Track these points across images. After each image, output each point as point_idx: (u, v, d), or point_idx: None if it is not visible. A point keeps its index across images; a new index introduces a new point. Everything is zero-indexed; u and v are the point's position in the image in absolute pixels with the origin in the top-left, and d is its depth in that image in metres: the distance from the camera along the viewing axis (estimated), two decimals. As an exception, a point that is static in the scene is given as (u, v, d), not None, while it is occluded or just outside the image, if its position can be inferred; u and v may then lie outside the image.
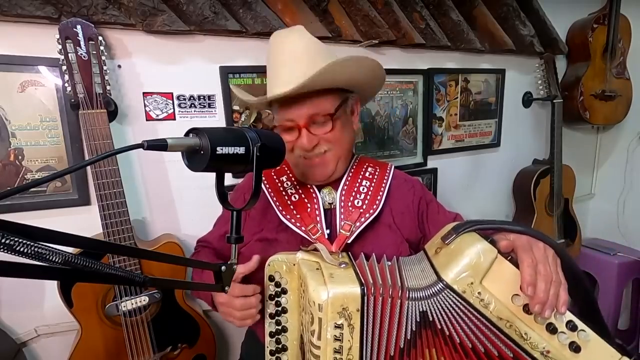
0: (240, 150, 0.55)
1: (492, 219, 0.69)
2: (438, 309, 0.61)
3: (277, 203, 0.84)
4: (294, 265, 0.72)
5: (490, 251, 0.59)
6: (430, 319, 0.61)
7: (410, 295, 0.62)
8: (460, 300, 0.59)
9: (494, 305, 0.58)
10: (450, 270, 0.60)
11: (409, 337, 0.63)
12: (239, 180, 1.03)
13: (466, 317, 0.59)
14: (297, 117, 0.79)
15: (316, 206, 0.83)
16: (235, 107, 1.22)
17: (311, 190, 0.86)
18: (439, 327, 0.61)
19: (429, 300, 0.61)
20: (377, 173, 0.90)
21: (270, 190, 0.86)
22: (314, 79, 0.73)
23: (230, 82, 1.20)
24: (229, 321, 0.77)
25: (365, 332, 0.63)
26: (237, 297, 0.73)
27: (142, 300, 1.01)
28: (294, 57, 0.79)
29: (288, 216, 0.82)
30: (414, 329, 0.63)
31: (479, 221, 0.66)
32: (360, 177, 0.88)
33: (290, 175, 0.90)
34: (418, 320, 0.62)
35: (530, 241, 0.60)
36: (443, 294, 0.60)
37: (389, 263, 0.72)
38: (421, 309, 0.62)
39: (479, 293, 0.58)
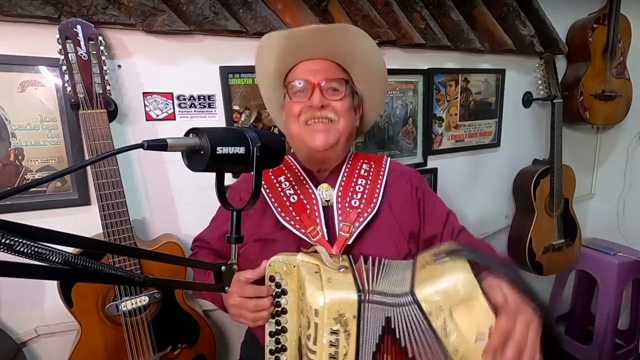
0: (240, 150, 0.55)
1: (488, 256, 0.67)
2: (401, 319, 0.61)
3: (276, 204, 0.84)
4: (294, 267, 0.72)
5: (471, 285, 0.57)
6: (392, 326, 0.62)
7: (372, 298, 0.62)
8: (422, 319, 0.59)
9: (454, 337, 0.57)
10: (425, 288, 0.60)
11: (377, 341, 0.63)
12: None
13: (423, 337, 0.59)
14: (313, 76, 0.83)
15: (315, 207, 0.83)
16: (235, 107, 1.23)
17: (310, 191, 0.86)
18: (397, 336, 0.61)
19: (394, 309, 0.61)
20: (372, 169, 0.90)
21: (268, 191, 0.86)
22: (343, 27, 0.81)
23: (230, 82, 1.20)
24: (240, 322, 0.77)
25: (361, 339, 0.63)
26: (251, 298, 0.73)
27: (142, 300, 1.01)
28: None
29: (287, 218, 0.81)
30: (380, 333, 0.63)
31: (476, 252, 0.65)
32: (356, 175, 0.89)
33: (289, 175, 0.89)
34: (383, 325, 0.63)
35: (519, 306, 0.57)
36: (410, 307, 0.60)
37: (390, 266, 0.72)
38: (387, 315, 0.62)
39: (444, 320, 0.58)
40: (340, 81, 0.84)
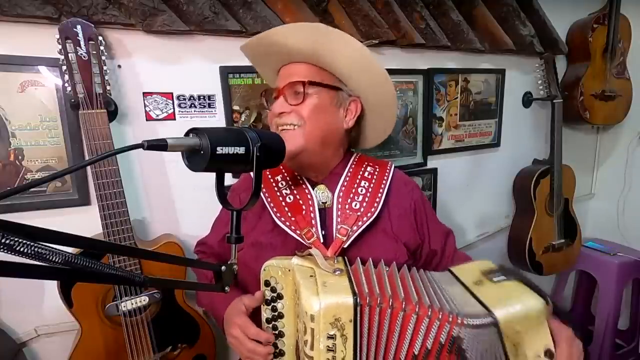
0: (240, 150, 0.55)
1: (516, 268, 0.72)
2: (476, 342, 0.60)
3: (272, 205, 0.83)
4: (289, 270, 0.71)
5: (541, 308, 0.60)
6: (464, 347, 0.61)
7: (466, 322, 0.60)
8: (498, 342, 0.59)
9: (520, 358, 0.60)
10: (503, 310, 0.60)
11: (415, 352, 0.63)
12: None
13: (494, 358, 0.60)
14: (283, 82, 0.82)
15: (311, 208, 0.82)
16: (235, 107, 1.22)
17: (306, 191, 0.85)
18: (467, 356, 0.61)
19: (471, 330, 0.60)
20: (376, 173, 0.89)
21: (265, 191, 0.85)
22: (302, 27, 0.76)
23: (230, 82, 1.20)
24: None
25: (359, 343, 0.63)
26: (250, 339, 0.72)
27: (142, 300, 1.01)
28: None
29: (283, 219, 0.80)
30: (429, 347, 0.62)
31: (522, 274, 0.67)
32: (359, 177, 0.87)
33: (285, 174, 0.88)
34: (443, 342, 0.61)
35: (573, 337, 0.63)
36: (488, 329, 0.59)
37: (388, 269, 0.71)
38: (455, 335, 0.61)
39: (516, 343, 0.60)
40: (298, 84, 0.80)
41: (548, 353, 0.60)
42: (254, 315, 0.76)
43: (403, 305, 0.62)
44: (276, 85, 0.86)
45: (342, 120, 0.86)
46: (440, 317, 0.61)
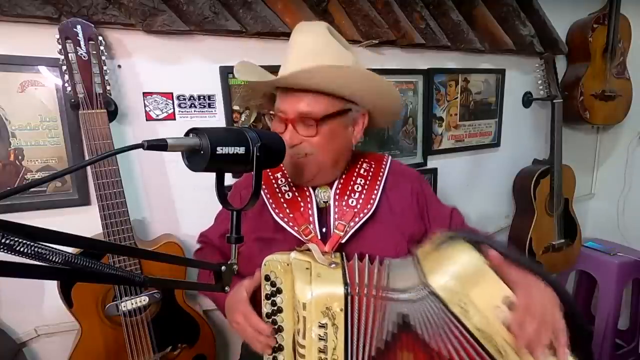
0: (240, 150, 0.55)
1: (487, 233, 0.69)
2: (420, 314, 0.61)
3: (271, 201, 0.84)
4: (288, 265, 0.72)
5: (479, 262, 0.59)
6: (411, 323, 0.61)
7: (391, 297, 0.62)
8: (442, 308, 0.59)
9: (475, 318, 0.58)
10: (437, 276, 0.60)
11: (387, 339, 0.63)
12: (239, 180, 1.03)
13: (446, 326, 0.59)
14: (288, 111, 0.79)
15: (309, 205, 0.83)
16: (235, 107, 1.22)
17: (305, 189, 0.86)
18: (419, 332, 0.61)
19: (412, 304, 0.61)
20: (372, 169, 0.89)
21: (265, 189, 0.86)
22: (299, 74, 0.73)
23: (230, 82, 1.20)
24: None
25: (350, 332, 0.63)
26: (253, 328, 0.73)
27: (142, 300, 1.01)
28: (303, 49, 0.81)
29: (281, 215, 0.82)
30: (395, 331, 0.63)
31: (472, 232, 0.66)
32: (355, 174, 0.88)
33: (286, 172, 0.89)
34: (400, 323, 0.62)
35: (531, 281, 0.60)
36: (427, 299, 0.60)
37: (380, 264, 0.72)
38: (403, 312, 0.62)
39: (462, 303, 0.58)
40: (309, 120, 0.78)
41: (507, 302, 0.58)
42: (253, 305, 0.76)
43: (375, 293, 0.63)
44: (278, 107, 0.82)
45: (351, 136, 0.87)
46: (366, 294, 0.62)
